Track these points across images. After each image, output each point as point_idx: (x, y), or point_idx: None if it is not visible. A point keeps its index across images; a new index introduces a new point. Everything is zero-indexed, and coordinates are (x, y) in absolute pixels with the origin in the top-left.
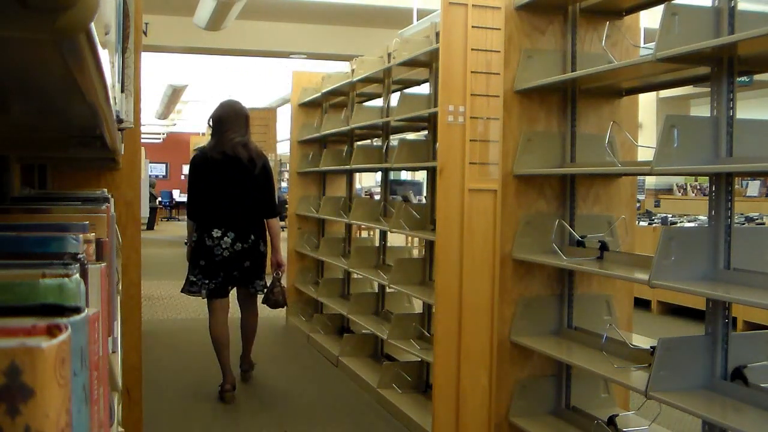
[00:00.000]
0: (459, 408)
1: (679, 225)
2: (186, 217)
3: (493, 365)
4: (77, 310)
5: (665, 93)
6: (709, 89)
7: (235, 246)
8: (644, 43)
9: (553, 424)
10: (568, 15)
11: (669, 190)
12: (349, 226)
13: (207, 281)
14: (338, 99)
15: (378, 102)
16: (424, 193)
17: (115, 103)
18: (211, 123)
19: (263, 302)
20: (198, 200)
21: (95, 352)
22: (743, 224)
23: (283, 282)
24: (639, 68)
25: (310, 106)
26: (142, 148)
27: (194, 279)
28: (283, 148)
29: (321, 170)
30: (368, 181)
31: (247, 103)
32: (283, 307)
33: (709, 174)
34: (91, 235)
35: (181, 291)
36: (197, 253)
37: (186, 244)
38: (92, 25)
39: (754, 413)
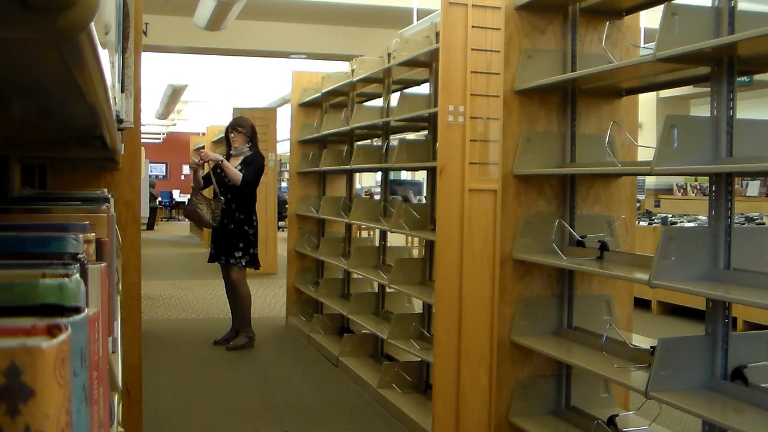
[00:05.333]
0: (459, 408)
1: (679, 225)
2: (251, 208)
3: (493, 365)
4: (77, 310)
5: (665, 93)
6: (709, 89)
7: None
8: (644, 43)
9: (553, 424)
10: (568, 15)
11: (669, 190)
12: (349, 226)
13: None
14: (338, 99)
15: (378, 102)
16: (424, 193)
17: (115, 103)
18: (249, 133)
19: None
20: None
21: (95, 352)
22: (743, 224)
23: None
24: (639, 68)
25: (310, 106)
26: (142, 148)
27: (257, 252)
28: (283, 148)
29: (321, 170)
30: (368, 181)
31: (247, 103)
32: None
33: (709, 174)
34: (91, 235)
35: (257, 267)
36: (257, 235)
37: (252, 225)
38: (92, 25)
39: (754, 413)
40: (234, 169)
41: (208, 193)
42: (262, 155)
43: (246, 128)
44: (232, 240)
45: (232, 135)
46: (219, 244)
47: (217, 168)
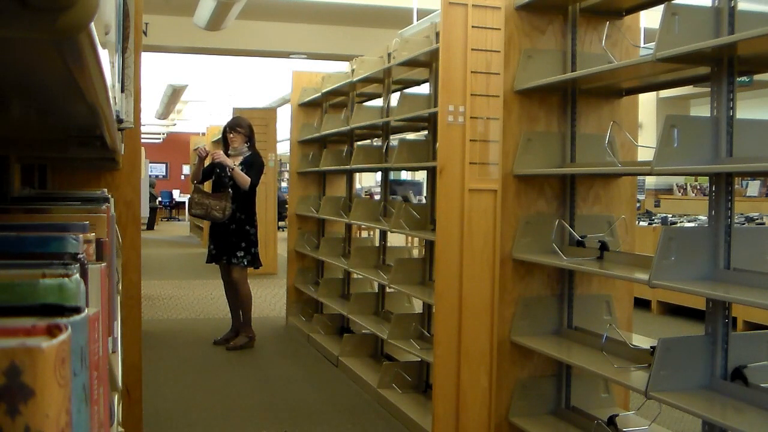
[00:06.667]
0: (459, 408)
1: (679, 225)
2: (252, 208)
3: (493, 365)
4: (77, 310)
5: (665, 93)
6: (709, 89)
7: None
8: (644, 43)
9: (553, 424)
10: (568, 15)
11: (669, 190)
12: (349, 226)
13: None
14: (338, 99)
15: (378, 102)
16: (424, 193)
17: (115, 103)
18: (247, 133)
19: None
20: None
21: (95, 352)
22: (743, 224)
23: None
24: (639, 68)
25: (310, 106)
26: (142, 148)
27: (258, 252)
28: (283, 148)
29: (321, 170)
30: (368, 181)
31: (247, 103)
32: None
33: (709, 174)
34: (91, 235)
35: (258, 267)
36: (257, 234)
37: (253, 225)
38: (92, 25)
39: (754, 413)
40: (243, 175)
41: (207, 187)
42: (260, 155)
43: (244, 128)
44: (234, 240)
45: (231, 135)
46: (220, 244)
47: (216, 167)
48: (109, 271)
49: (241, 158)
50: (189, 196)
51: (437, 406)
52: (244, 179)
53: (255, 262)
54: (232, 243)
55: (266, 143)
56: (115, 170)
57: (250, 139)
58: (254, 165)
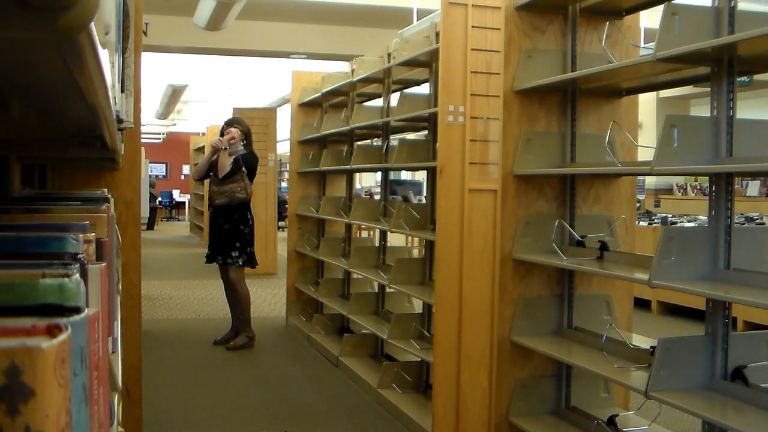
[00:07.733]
0: (459, 408)
1: (679, 225)
2: (247, 207)
3: (493, 365)
4: (77, 310)
5: (665, 93)
6: (709, 89)
7: None
8: (644, 43)
9: (553, 424)
10: (568, 15)
11: (669, 190)
12: (349, 226)
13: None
14: (338, 99)
15: (378, 102)
16: (424, 193)
17: (115, 103)
18: (245, 130)
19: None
20: None
21: (95, 352)
22: (743, 224)
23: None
24: (639, 68)
25: (310, 106)
26: (142, 148)
27: (254, 251)
28: (283, 148)
29: (321, 170)
30: (368, 181)
31: (247, 103)
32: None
33: (709, 174)
34: (91, 235)
35: (254, 266)
36: (253, 234)
37: (248, 224)
38: (92, 25)
39: (754, 413)
40: (226, 162)
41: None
42: (256, 156)
43: (243, 126)
44: (229, 240)
45: (229, 131)
46: (215, 244)
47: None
48: (109, 271)
49: (233, 157)
50: (208, 191)
51: (437, 406)
52: (222, 166)
53: (251, 262)
54: (227, 243)
55: (266, 143)
56: (115, 170)
57: (246, 137)
58: (243, 158)
